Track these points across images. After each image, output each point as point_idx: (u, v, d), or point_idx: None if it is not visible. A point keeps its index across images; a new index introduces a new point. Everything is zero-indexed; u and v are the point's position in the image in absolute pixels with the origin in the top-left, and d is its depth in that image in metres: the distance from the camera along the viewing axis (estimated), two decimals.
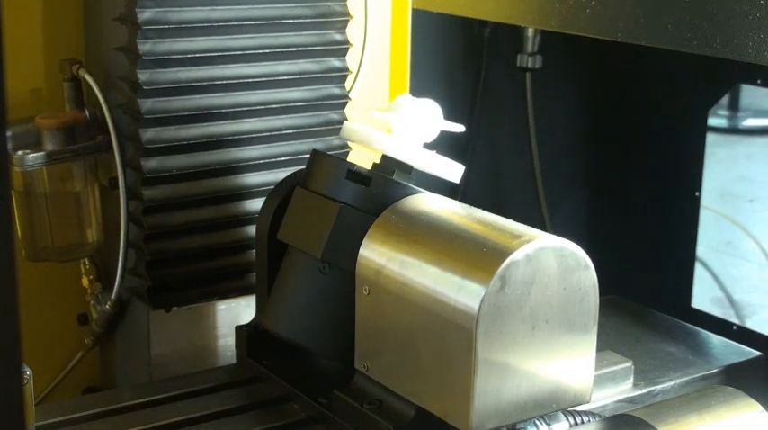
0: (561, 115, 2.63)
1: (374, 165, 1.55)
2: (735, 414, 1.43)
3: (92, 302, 1.90)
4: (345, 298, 1.47)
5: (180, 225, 1.78)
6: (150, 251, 1.76)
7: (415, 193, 1.48)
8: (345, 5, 1.87)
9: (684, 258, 2.41)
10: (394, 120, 1.55)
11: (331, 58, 1.87)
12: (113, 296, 1.84)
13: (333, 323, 1.51)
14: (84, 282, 1.92)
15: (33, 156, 1.75)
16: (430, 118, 1.56)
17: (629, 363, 1.70)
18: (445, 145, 1.62)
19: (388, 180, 1.49)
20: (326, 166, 1.54)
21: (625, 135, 2.59)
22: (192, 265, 1.80)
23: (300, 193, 1.56)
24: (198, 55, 1.73)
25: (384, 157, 1.54)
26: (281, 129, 1.84)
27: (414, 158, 1.53)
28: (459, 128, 1.59)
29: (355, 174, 1.49)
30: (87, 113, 1.80)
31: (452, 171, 1.55)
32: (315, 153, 1.58)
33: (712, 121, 2.34)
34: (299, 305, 1.56)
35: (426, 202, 1.46)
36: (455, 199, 1.54)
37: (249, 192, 1.82)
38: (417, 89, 2.13)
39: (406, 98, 1.58)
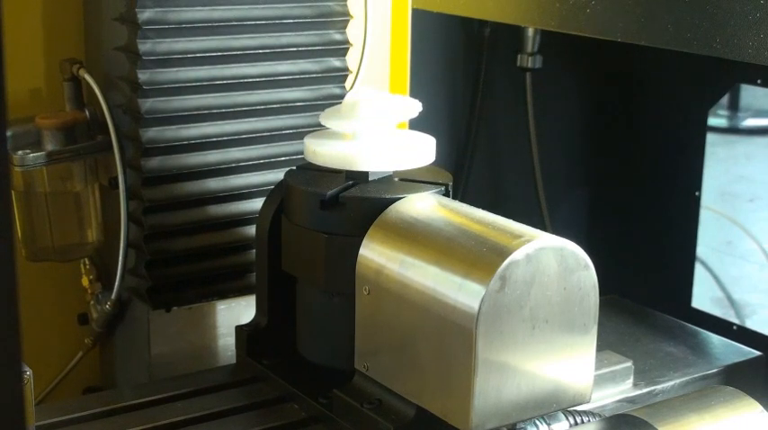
0: (561, 115, 2.63)
1: (347, 172, 1.54)
2: (735, 414, 1.43)
3: (92, 302, 1.90)
4: None
5: (180, 225, 1.78)
6: (150, 251, 1.76)
7: (399, 199, 1.46)
8: (345, 5, 1.87)
9: (684, 258, 2.41)
10: (354, 128, 1.54)
11: (331, 58, 1.87)
12: (113, 296, 1.84)
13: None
14: (85, 282, 1.92)
15: (33, 156, 1.75)
16: (387, 113, 1.54)
17: (629, 363, 1.70)
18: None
19: (363, 199, 1.47)
20: (300, 199, 1.53)
21: (625, 135, 2.59)
22: (192, 265, 1.80)
23: (286, 224, 1.56)
24: (198, 55, 1.73)
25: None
26: (281, 129, 1.84)
27: (383, 164, 1.52)
28: (416, 106, 1.57)
29: (329, 203, 1.48)
30: (87, 113, 1.80)
31: (424, 154, 1.54)
32: (287, 186, 1.56)
33: (712, 121, 2.34)
34: (326, 331, 1.57)
35: (425, 203, 1.46)
36: (455, 198, 1.54)
37: (249, 192, 1.82)
38: (417, 89, 2.13)
39: (358, 96, 1.55)
